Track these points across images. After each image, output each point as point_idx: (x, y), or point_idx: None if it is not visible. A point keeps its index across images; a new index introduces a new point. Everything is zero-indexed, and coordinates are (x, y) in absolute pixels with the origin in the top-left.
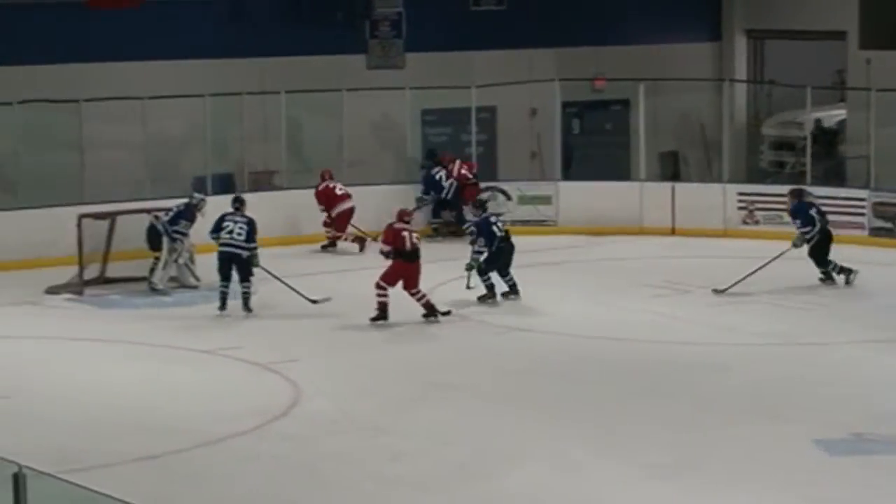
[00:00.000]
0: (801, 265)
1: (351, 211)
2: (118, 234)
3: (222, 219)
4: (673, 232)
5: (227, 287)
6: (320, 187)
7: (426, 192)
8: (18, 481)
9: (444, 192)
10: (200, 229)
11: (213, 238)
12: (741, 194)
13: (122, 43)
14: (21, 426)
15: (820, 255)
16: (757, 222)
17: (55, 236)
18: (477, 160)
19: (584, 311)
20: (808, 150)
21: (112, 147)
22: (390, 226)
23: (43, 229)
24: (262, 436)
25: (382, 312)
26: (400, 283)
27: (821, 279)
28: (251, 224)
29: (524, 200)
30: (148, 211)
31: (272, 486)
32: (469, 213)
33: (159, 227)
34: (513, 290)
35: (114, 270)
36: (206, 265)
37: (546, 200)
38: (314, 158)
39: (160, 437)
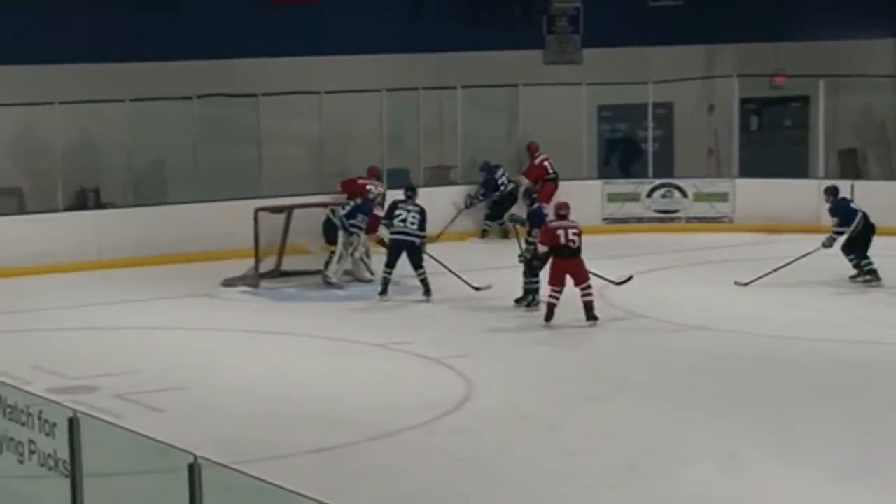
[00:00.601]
0: None
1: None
2: (294, 228)
3: (394, 206)
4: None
5: (390, 274)
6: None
7: (484, 194)
8: (194, 472)
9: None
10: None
11: (385, 225)
12: None
13: (301, 38)
14: (196, 417)
15: (861, 247)
16: None
17: (232, 229)
18: (653, 157)
19: (759, 309)
20: None
21: (289, 141)
22: (546, 224)
23: (220, 222)
24: (433, 430)
25: (549, 313)
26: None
27: (854, 276)
28: (423, 212)
29: (700, 197)
30: (326, 205)
31: (444, 481)
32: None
33: (336, 220)
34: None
35: (289, 264)
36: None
37: (722, 197)
38: (489, 154)
39: (333, 429)
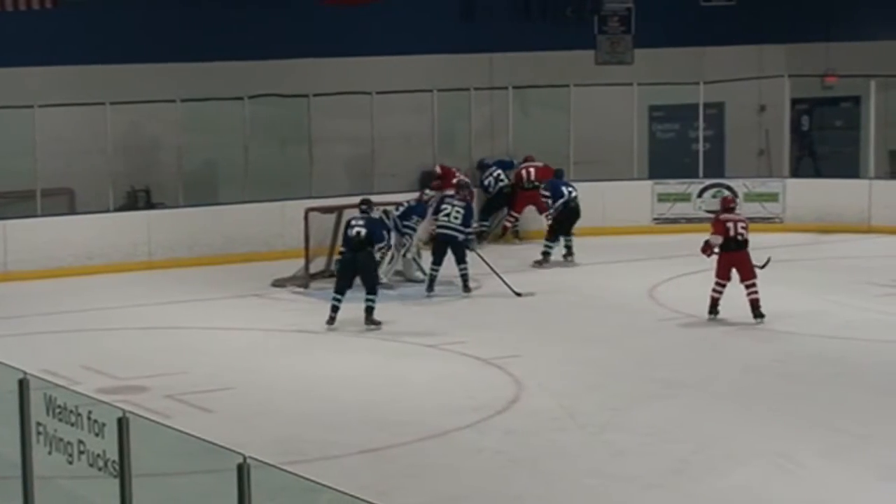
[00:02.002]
0: None
1: None
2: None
3: (442, 201)
4: None
5: (436, 271)
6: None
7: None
8: (243, 472)
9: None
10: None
11: (433, 219)
12: None
13: (352, 38)
14: (246, 417)
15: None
16: None
17: (283, 229)
18: (704, 156)
19: (811, 310)
20: None
21: (340, 141)
22: (716, 217)
23: (271, 222)
24: (483, 430)
25: (713, 306)
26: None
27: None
28: (468, 208)
29: (751, 197)
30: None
31: (495, 481)
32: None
33: (388, 222)
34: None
35: None
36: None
37: (773, 197)
38: (541, 154)
39: (383, 429)
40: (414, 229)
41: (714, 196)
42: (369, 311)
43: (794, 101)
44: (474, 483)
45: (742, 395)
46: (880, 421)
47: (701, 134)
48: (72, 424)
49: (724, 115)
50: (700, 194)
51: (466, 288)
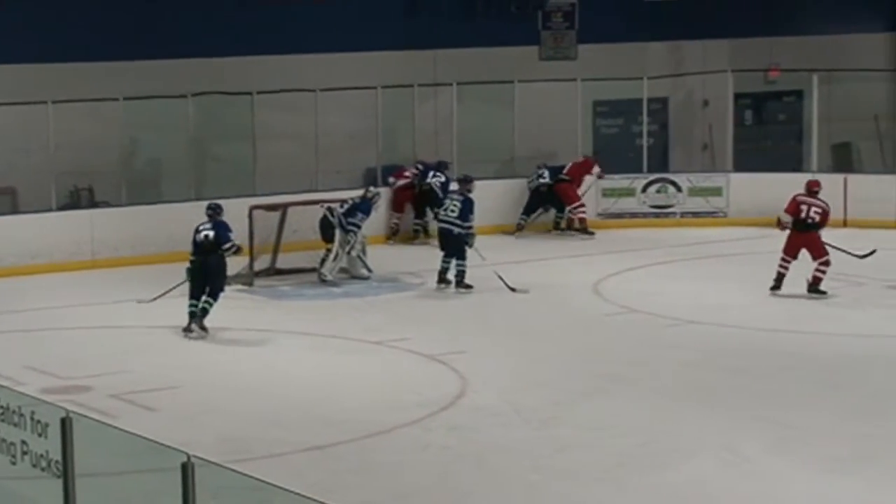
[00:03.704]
0: None
1: (408, 189)
2: (289, 225)
3: (446, 196)
4: (845, 224)
5: (447, 263)
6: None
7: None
8: (187, 471)
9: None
10: (371, 222)
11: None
12: None
13: (295, 35)
14: (190, 416)
15: None
16: None
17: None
18: (648, 151)
19: (754, 304)
20: None
21: (284, 139)
22: (795, 196)
23: None
24: (429, 427)
25: (777, 282)
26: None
27: None
28: (465, 202)
29: (695, 192)
30: (320, 202)
31: (440, 477)
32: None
33: (333, 219)
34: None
35: (284, 262)
36: (377, 257)
37: (717, 192)
38: (485, 150)
39: (328, 427)
40: (359, 226)
41: (658, 191)
42: (204, 312)
43: (738, 96)
44: (420, 479)
45: (687, 389)
46: (824, 413)
47: (645, 129)
48: (15, 425)
49: (668, 110)
50: (644, 189)
51: (460, 284)
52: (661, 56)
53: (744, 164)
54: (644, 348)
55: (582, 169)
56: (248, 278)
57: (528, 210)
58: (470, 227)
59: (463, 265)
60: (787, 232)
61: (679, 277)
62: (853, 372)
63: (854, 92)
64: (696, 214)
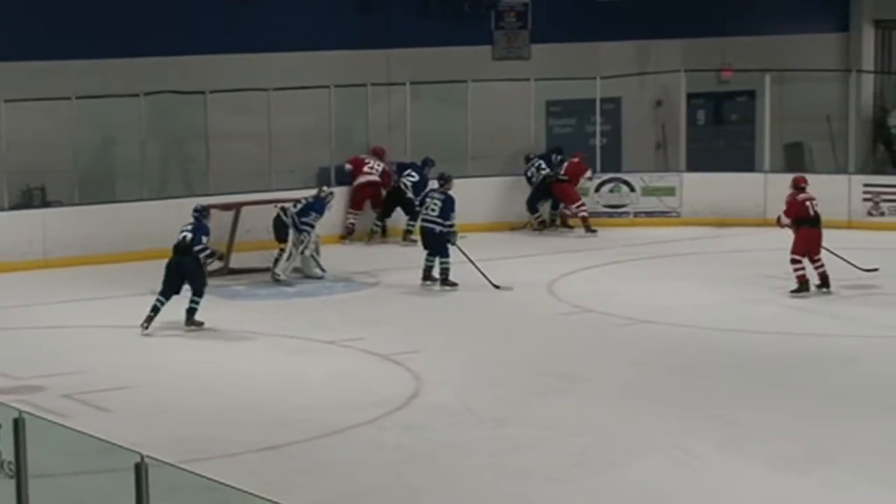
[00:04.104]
0: None
1: (369, 186)
2: (242, 225)
3: (427, 195)
4: None
5: (430, 262)
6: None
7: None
8: (140, 471)
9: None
10: (325, 221)
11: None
12: (867, 185)
13: (248, 34)
14: (144, 416)
15: None
16: (882, 214)
17: (180, 227)
18: (601, 151)
19: (707, 303)
20: None
21: (237, 138)
22: (792, 197)
23: (168, 220)
24: (383, 426)
25: (803, 285)
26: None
27: None
28: (446, 201)
29: (648, 191)
30: (274, 202)
31: (394, 476)
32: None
33: (286, 218)
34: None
35: (238, 261)
36: (331, 256)
37: (670, 192)
38: (438, 150)
39: (282, 426)
40: (312, 226)
41: (612, 191)
42: (191, 311)
43: (691, 96)
44: (374, 479)
45: (639, 389)
46: (774, 412)
47: (598, 129)
48: None
49: (621, 109)
50: (598, 189)
51: (445, 282)
52: (615, 56)
53: (697, 163)
54: (598, 348)
55: (578, 169)
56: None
57: (535, 203)
58: (451, 225)
59: (447, 262)
60: (793, 234)
61: (632, 277)
62: (806, 372)
63: (806, 92)
64: (649, 214)
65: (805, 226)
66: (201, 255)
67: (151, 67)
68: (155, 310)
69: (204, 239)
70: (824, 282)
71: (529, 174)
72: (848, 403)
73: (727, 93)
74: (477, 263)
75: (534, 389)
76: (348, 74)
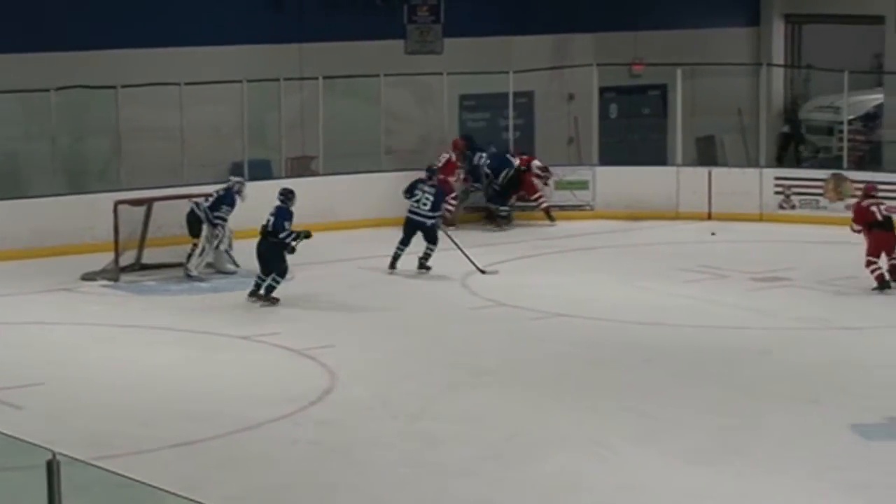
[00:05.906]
0: (839, 249)
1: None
2: (154, 221)
3: (414, 185)
4: (709, 217)
5: (401, 250)
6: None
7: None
8: (52, 468)
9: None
10: (238, 214)
11: (406, 198)
12: (778, 179)
13: (160, 29)
14: (56, 413)
15: None
16: (793, 207)
17: (91, 223)
18: (515, 145)
19: (621, 297)
20: (846, 135)
21: (149, 133)
22: (858, 204)
23: (79, 216)
24: (297, 421)
25: (883, 283)
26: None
27: None
28: (438, 193)
29: (561, 185)
30: (186, 197)
31: (309, 471)
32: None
33: (199, 213)
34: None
35: (150, 257)
36: (246, 251)
37: (583, 185)
38: (352, 144)
39: (196, 422)
40: (225, 220)
41: None
42: (269, 289)
43: (603, 90)
44: (289, 474)
45: (554, 382)
46: (688, 405)
47: (511, 122)
48: None
49: (534, 103)
50: None
51: (423, 265)
52: (527, 50)
53: (609, 157)
54: (512, 341)
55: (529, 161)
56: (114, 273)
57: (503, 196)
58: (441, 216)
59: (433, 249)
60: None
61: (546, 270)
62: (720, 364)
63: (717, 86)
64: (562, 208)
65: (876, 229)
66: (286, 241)
67: (62, 61)
68: (257, 286)
69: (286, 224)
70: (894, 275)
71: (483, 166)
72: (761, 395)
73: (639, 87)
74: (464, 249)
75: (448, 384)
76: (261, 69)
